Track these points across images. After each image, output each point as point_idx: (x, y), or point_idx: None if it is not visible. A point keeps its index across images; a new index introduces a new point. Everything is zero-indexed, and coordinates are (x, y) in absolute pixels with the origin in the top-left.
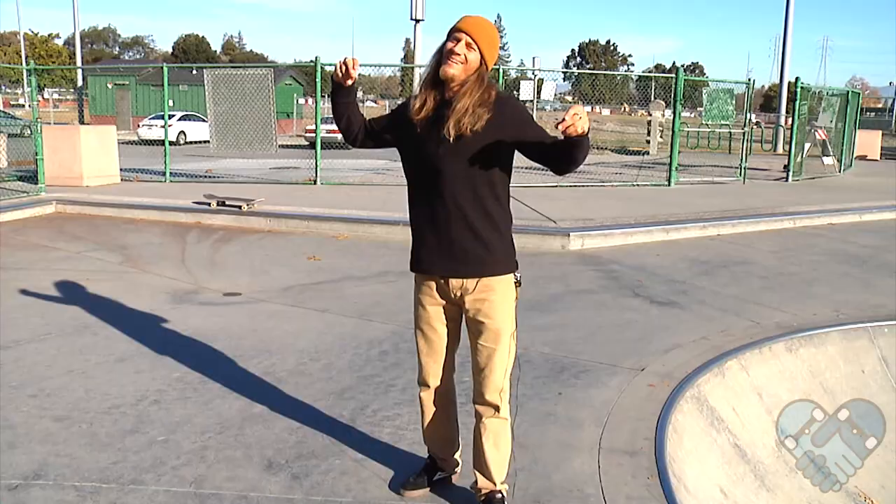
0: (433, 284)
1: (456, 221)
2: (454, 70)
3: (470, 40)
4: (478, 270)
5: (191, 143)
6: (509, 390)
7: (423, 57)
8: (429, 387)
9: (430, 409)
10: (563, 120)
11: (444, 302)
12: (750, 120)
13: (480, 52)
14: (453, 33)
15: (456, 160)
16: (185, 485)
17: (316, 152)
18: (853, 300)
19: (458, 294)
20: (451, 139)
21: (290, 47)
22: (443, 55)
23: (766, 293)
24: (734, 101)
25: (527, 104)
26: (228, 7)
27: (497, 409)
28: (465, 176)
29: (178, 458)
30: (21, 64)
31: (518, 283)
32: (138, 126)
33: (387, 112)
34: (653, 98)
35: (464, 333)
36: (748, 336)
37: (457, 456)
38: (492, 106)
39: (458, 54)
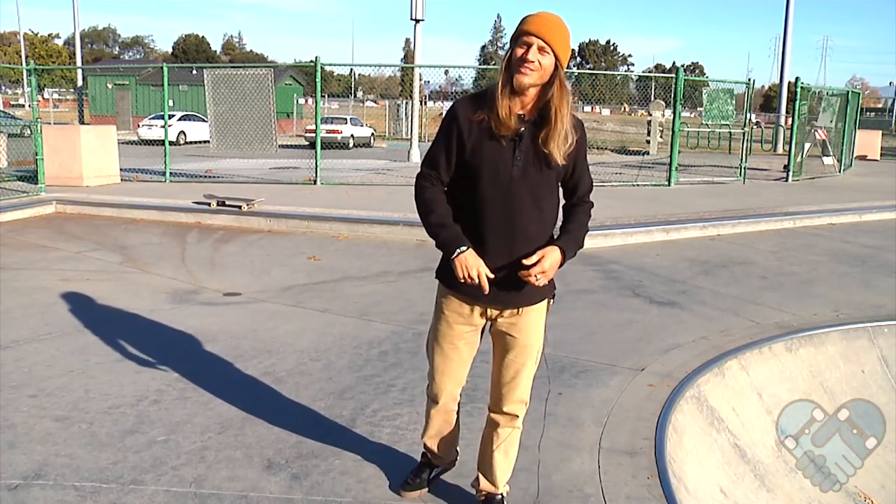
0: (467, 303)
1: (522, 252)
2: (530, 79)
3: (542, 43)
4: (530, 300)
5: (191, 143)
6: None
7: (423, 57)
8: (439, 403)
9: (438, 421)
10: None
11: (474, 321)
12: (750, 120)
13: (555, 54)
14: (520, 38)
15: (529, 183)
16: (185, 485)
17: (316, 152)
18: (853, 300)
19: (496, 315)
20: (539, 164)
21: (290, 47)
22: (512, 64)
23: (766, 293)
24: (734, 101)
25: None
26: (228, 7)
27: (515, 418)
28: (533, 199)
29: (178, 458)
30: (21, 64)
31: (553, 298)
32: (138, 126)
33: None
34: (653, 98)
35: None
36: (748, 336)
37: (456, 448)
38: (576, 124)
39: (532, 61)
